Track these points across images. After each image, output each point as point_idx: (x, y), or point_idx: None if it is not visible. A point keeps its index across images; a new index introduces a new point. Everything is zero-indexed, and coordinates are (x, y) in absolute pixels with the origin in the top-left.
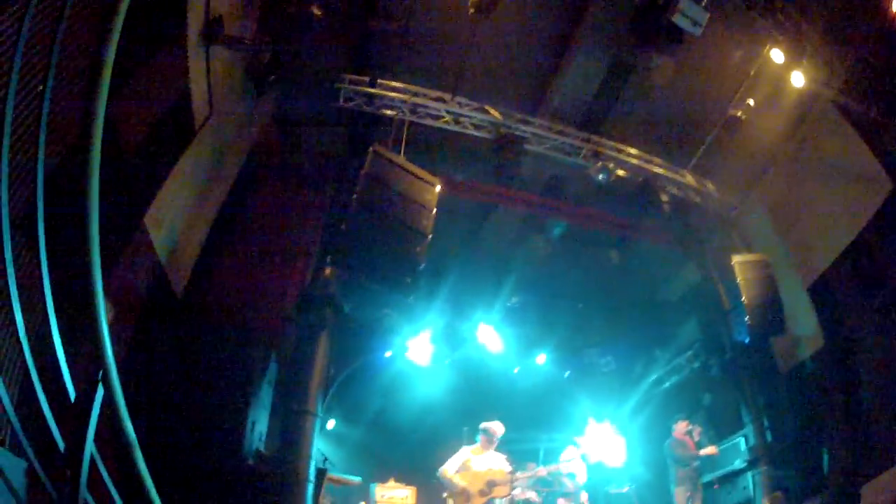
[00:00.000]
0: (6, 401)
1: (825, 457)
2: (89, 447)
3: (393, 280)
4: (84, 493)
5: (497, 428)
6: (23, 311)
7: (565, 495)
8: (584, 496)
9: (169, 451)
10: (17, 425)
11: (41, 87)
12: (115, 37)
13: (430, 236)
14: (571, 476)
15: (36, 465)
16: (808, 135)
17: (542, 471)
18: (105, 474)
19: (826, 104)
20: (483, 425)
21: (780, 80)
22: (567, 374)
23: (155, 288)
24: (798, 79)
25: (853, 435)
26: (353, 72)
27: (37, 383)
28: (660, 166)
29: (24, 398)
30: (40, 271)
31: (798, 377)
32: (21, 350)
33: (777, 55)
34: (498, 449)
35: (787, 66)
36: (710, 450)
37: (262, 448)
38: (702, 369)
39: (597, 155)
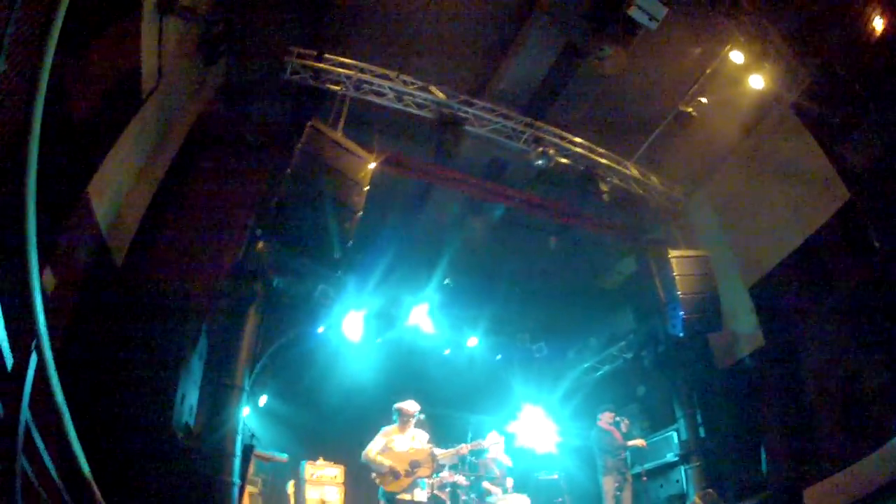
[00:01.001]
0: None
1: (763, 457)
2: (24, 413)
3: (322, 255)
4: (20, 459)
5: (410, 406)
6: None
7: (491, 480)
8: (509, 482)
9: (101, 421)
10: None
11: None
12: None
13: (361, 212)
14: (497, 462)
15: None
16: (763, 136)
17: (463, 449)
18: (39, 441)
19: (785, 108)
20: (396, 406)
21: (738, 80)
22: (498, 357)
23: (96, 257)
24: (757, 81)
25: (793, 437)
26: (302, 45)
27: None
28: (603, 156)
29: None
30: None
31: (735, 375)
32: None
33: (737, 56)
34: (425, 428)
35: (747, 68)
36: (638, 442)
37: (191, 422)
38: (635, 360)
39: (538, 140)
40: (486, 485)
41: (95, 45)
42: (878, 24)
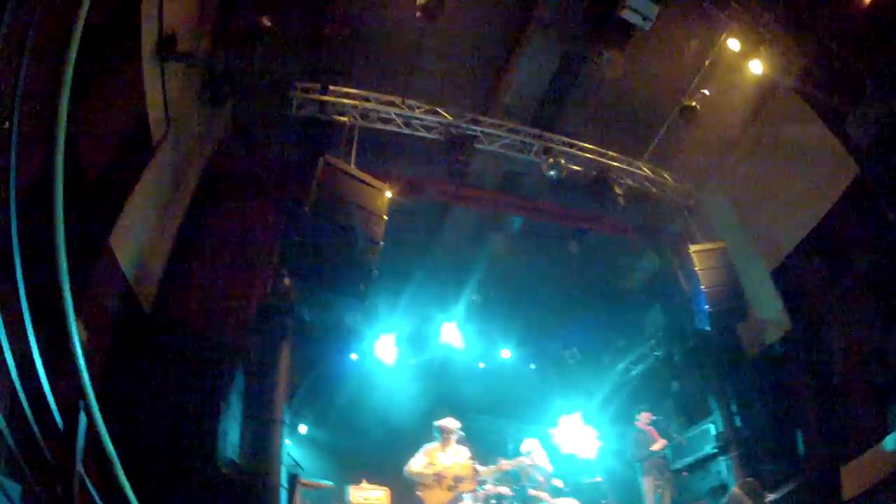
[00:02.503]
0: (6, 431)
1: (800, 440)
2: (79, 468)
3: (346, 288)
4: None
5: (450, 424)
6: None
7: (535, 486)
8: (558, 483)
9: (146, 465)
10: (15, 450)
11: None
12: (72, 62)
13: (382, 243)
14: (538, 468)
15: (34, 485)
16: (768, 120)
17: (504, 465)
18: (92, 490)
19: (786, 91)
20: (436, 424)
21: (738, 68)
22: (532, 366)
23: (124, 306)
24: (756, 66)
25: (827, 417)
26: (306, 79)
27: (28, 413)
28: (613, 159)
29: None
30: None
31: (766, 361)
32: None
33: (734, 44)
34: (466, 444)
35: (745, 55)
36: (659, 444)
37: (234, 457)
38: (666, 357)
39: (548, 151)
40: (531, 492)
41: (96, 97)
42: None
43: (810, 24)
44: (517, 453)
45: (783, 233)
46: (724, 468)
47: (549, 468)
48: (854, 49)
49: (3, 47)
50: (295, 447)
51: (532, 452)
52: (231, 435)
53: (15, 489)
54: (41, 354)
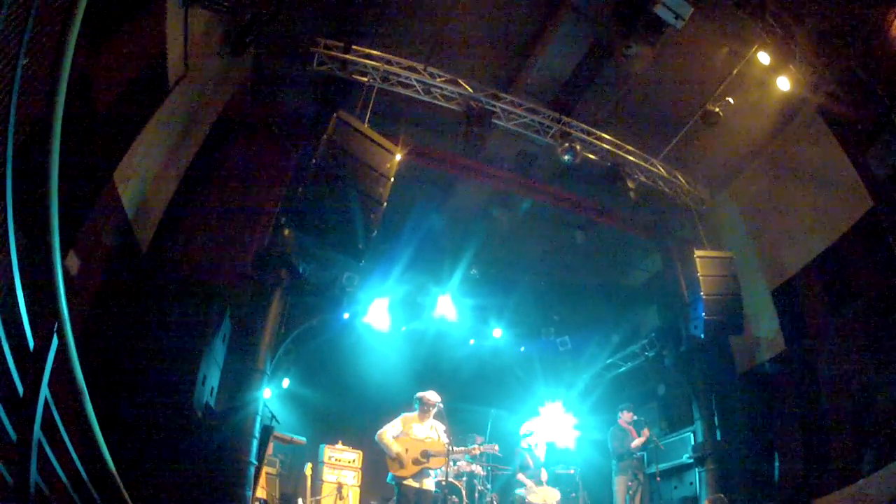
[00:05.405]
0: None
1: (776, 464)
2: (43, 392)
3: (346, 245)
4: (38, 434)
5: (432, 396)
6: None
7: (524, 469)
8: (543, 475)
9: (122, 400)
10: None
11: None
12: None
13: (385, 204)
14: (530, 451)
15: None
16: (789, 139)
17: (476, 449)
18: (58, 419)
19: (811, 111)
20: (418, 395)
21: (765, 82)
22: (522, 349)
23: (121, 242)
24: (784, 83)
25: (806, 445)
26: (329, 36)
27: (1, 333)
28: (630, 153)
29: None
30: (6, 227)
31: (755, 379)
32: None
33: (764, 57)
34: (444, 419)
35: (774, 69)
36: (639, 440)
37: (211, 402)
38: (656, 359)
39: (566, 135)
40: (520, 476)
41: (119, 35)
42: None
43: (842, 49)
44: (494, 435)
45: (789, 253)
46: (697, 480)
47: (541, 458)
48: (882, 80)
49: None
50: (274, 400)
51: (532, 434)
52: (210, 380)
53: None
54: (21, 273)
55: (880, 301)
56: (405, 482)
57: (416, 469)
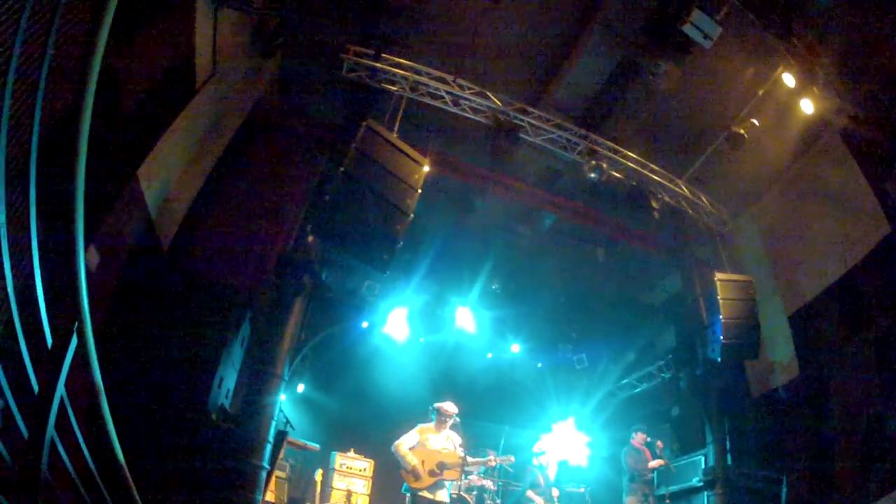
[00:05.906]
0: None
1: (784, 490)
2: (59, 390)
3: (370, 255)
4: (51, 431)
5: (449, 408)
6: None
7: (534, 487)
8: (555, 492)
9: (138, 399)
10: None
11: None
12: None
13: (412, 216)
14: (542, 469)
15: (11, 404)
16: (811, 162)
17: (491, 461)
18: (72, 418)
19: (833, 135)
20: (435, 405)
21: (790, 104)
22: (539, 365)
23: (142, 240)
24: (807, 105)
25: (814, 472)
26: (359, 43)
27: (19, 329)
28: (655, 172)
29: (5, 345)
30: (29, 222)
31: (768, 404)
32: (6, 298)
33: (789, 79)
34: (460, 431)
35: (798, 92)
36: (656, 462)
37: (226, 405)
38: (672, 380)
39: (592, 153)
40: (530, 493)
41: (148, 32)
42: None
43: (867, 73)
44: (507, 450)
45: (807, 278)
46: (706, 503)
47: (550, 476)
48: None
49: None
50: (289, 405)
51: (544, 453)
52: (227, 382)
53: None
54: (43, 272)
55: (892, 330)
56: (420, 493)
57: (431, 481)
